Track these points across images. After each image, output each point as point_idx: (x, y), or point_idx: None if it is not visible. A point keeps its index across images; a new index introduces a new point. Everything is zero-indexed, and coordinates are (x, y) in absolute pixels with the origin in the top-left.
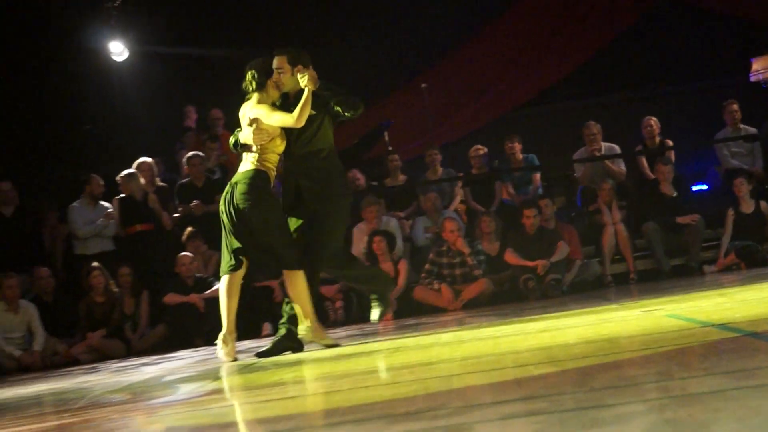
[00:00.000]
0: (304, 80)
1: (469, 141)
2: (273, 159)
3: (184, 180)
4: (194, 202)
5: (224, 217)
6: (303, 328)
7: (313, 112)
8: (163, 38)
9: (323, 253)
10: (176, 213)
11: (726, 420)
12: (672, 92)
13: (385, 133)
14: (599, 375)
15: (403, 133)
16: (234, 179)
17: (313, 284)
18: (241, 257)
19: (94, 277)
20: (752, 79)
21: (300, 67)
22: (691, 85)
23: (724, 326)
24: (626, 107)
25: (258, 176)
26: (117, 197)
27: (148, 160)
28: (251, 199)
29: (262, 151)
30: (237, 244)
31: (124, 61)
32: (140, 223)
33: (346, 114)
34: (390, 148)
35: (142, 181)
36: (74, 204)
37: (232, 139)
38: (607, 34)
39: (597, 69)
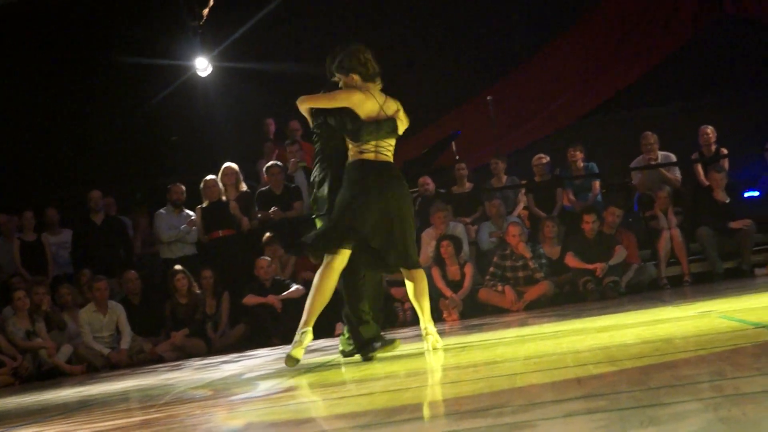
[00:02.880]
0: None
1: (532, 150)
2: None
3: (264, 188)
4: (273, 209)
5: None
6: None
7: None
8: (244, 54)
9: None
10: (255, 219)
11: None
12: (725, 103)
13: (453, 143)
14: (656, 374)
15: (469, 143)
16: None
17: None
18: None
19: (178, 279)
20: None
21: None
22: (743, 95)
23: None
24: (681, 117)
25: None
26: (199, 206)
27: (233, 165)
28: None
29: None
30: None
31: (208, 76)
32: (222, 229)
33: None
34: (457, 157)
35: (221, 186)
36: (160, 211)
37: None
38: (665, 49)
39: (654, 81)
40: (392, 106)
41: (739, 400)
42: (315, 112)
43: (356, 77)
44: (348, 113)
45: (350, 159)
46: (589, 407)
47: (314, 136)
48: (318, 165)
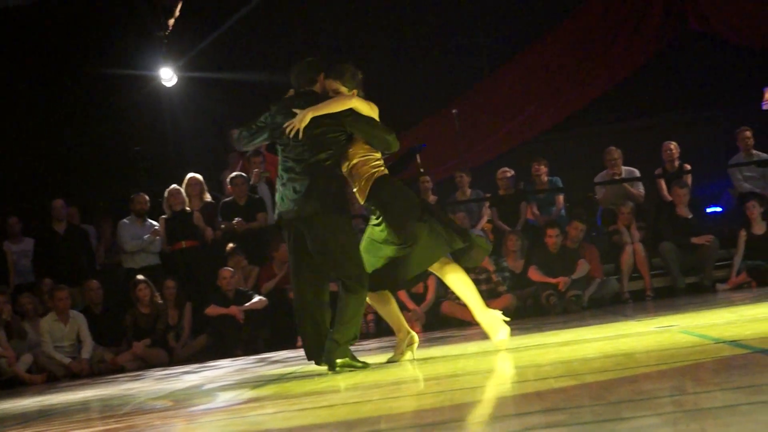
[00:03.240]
0: None
1: (496, 163)
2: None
3: (228, 198)
4: (236, 220)
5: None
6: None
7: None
8: (210, 64)
9: None
10: (219, 229)
11: None
12: (689, 119)
13: (418, 156)
14: (616, 388)
15: (434, 155)
16: None
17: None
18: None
19: (140, 289)
20: (765, 107)
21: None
22: (707, 112)
23: (735, 343)
24: (646, 133)
25: None
26: (163, 216)
27: (198, 176)
28: None
29: None
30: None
31: (174, 86)
32: (185, 240)
33: None
34: (422, 170)
35: (185, 196)
36: (124, 220)
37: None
38: (630, 64)
39: (619, 97)
40: None
41: (698, 416)
42: (331, 120)
43: (354, 95)
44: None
45: (376, 174)
46: (548, 421)
47: (314, 143)
48: (300, 174)
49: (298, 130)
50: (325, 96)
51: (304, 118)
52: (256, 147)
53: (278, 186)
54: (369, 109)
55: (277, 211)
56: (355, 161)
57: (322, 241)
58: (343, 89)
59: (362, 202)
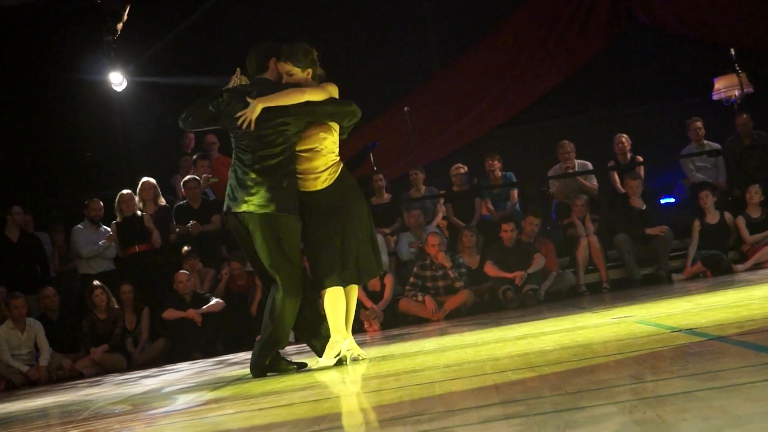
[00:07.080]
0: None
1: (450, 160)
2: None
3: (182, 202)
4: (191, 223)
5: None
6: None
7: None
8: (160, 69)
9: None
10: (174, 233)
11: (693, 420)
12: (640, 111)
13: (371, 154)
14: (574, 379)
15: (387, 154)
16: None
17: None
18: None
19: (96, 295)
20: (715, 97)
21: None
22: (658, 104)
23: (691, 331)
24: (598, 126)
25: None
26: (114, 221)
27: (151, 180)
28: None
29: None
30: None
31: (124, 90)
32: (138, 244)
33: None
34: (375, 169)
35: (138, 200)
36: (78, 226)
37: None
38: (580, 58)
39: (570, 90)
40: None
41: (654, 403)
42: (282, 112)
43: (310, 74)
44: None
45: (341, 165)
46: (506, 413)
47: (266, 137)
48: (281, 170)
49: (250, 122)
50: (279, 81)
51: (254, 109)
52: (211, 155)
53: (230, 174)
54: (325, 93)
55: (226, 204)
56: (317, 146)
57: (271, 240)
58: (296, 70)
59: (320, 187)
